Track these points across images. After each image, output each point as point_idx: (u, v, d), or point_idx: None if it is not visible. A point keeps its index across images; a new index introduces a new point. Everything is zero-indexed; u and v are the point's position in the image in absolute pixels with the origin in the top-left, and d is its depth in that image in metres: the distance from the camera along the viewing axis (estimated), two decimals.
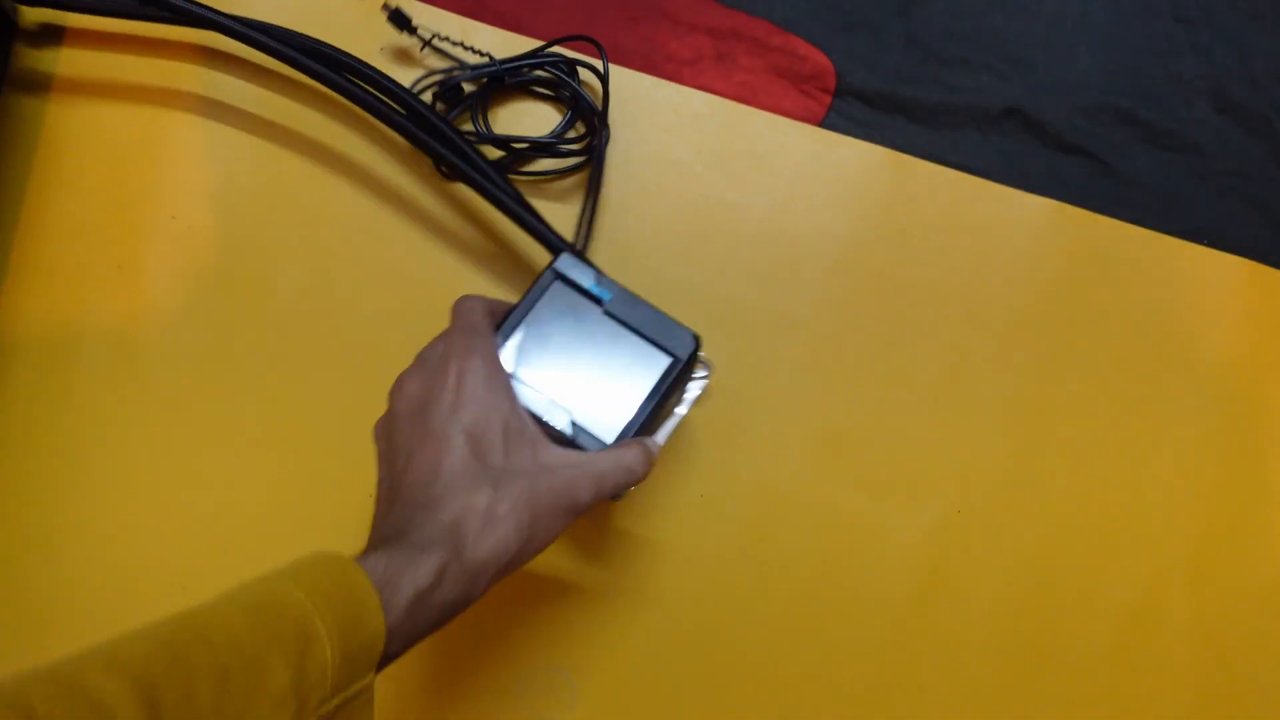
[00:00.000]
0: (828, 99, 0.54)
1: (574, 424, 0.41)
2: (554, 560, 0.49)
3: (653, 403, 0.41)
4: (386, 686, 0.48)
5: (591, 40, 0.51)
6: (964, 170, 0.53)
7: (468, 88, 0.51)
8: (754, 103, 0.53)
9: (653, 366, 0.42)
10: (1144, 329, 0.52)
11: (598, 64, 0.51)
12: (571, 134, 0.52)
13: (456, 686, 0.48)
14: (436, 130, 0.47)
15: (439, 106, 0.51)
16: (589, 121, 0.51)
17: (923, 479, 0.51)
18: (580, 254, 0.46)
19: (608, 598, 0.49)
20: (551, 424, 0.40)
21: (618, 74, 0.53)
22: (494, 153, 0.51)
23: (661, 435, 0.48)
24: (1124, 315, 0.52)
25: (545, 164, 0.51)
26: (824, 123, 0.53)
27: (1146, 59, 0.55)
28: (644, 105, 0.53)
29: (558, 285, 0.42)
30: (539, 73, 0.51)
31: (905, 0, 0.54)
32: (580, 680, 0.49)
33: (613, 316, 0.42)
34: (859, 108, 0.54)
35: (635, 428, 0.41)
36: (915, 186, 0.53)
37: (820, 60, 0.54)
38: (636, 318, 0.42)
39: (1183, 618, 0.51)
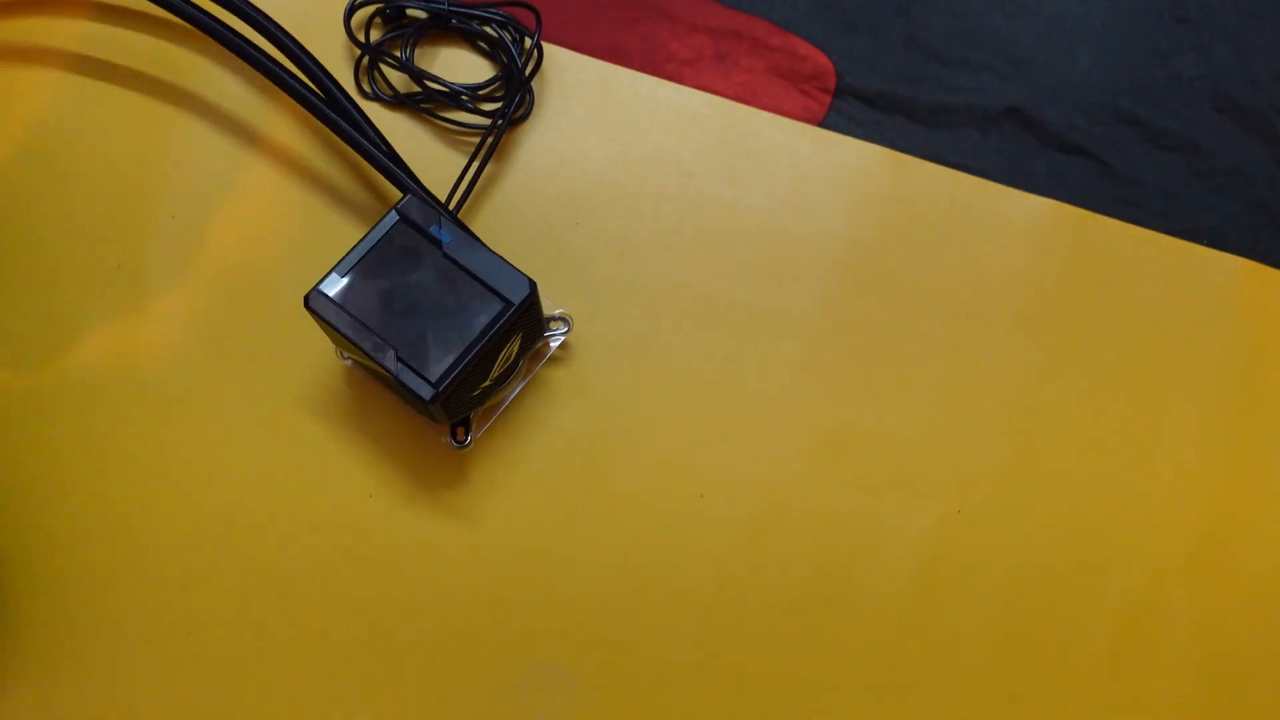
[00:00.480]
0: (828, 99, 0.54)
1: (399, 360, 0.41)
2: (553, 559, 0.49)
3: (480, 346, 0.42)
4: (385, 684, 0.48)
5: (530, 7, 0.51)
6: (964, 170, 0.53)
7: (412, 14, 0.51)
8: (754, 103, 0.53)
9: (485, 311, 0.42)
10: (1144, 329, 0.52)
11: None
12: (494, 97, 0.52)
13: (456, 686, 0.48)
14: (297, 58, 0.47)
15: (377, 21, 0.52)
16: (512, 88, 0.51)
17: (923, 479, 0.51)
18: (440, 206, 0.46)
19: (607, 597, 0.49)
20: (377, 359, 0.41)
21: (618, 73, 0.53)
22: (411, 87, 0.52)
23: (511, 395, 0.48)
24: (1124, 315, 0.52)
25: (460, 116, 0.52)
26: (824, 123, 0.53)
27: (1146, 59, 0.55)
28: (644, 105, 0.53)
29: (400, 225, 0.43)
30: (486, 29, 0.51)
31: (905, 0, 0.55)
32: (580, 680, 0.49)
33: (451, 260, 0.42)
34: (859, 108, 0.54)
35: (459, 368, 0.42)
36: (915, 186, 0.53)
37: (820, 60, 0.54)
38: (474, 262, 0.42)
39: (1183, 618, 0.51)
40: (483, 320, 0.42)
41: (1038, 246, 0.53)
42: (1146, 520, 0.51)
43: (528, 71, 0.51)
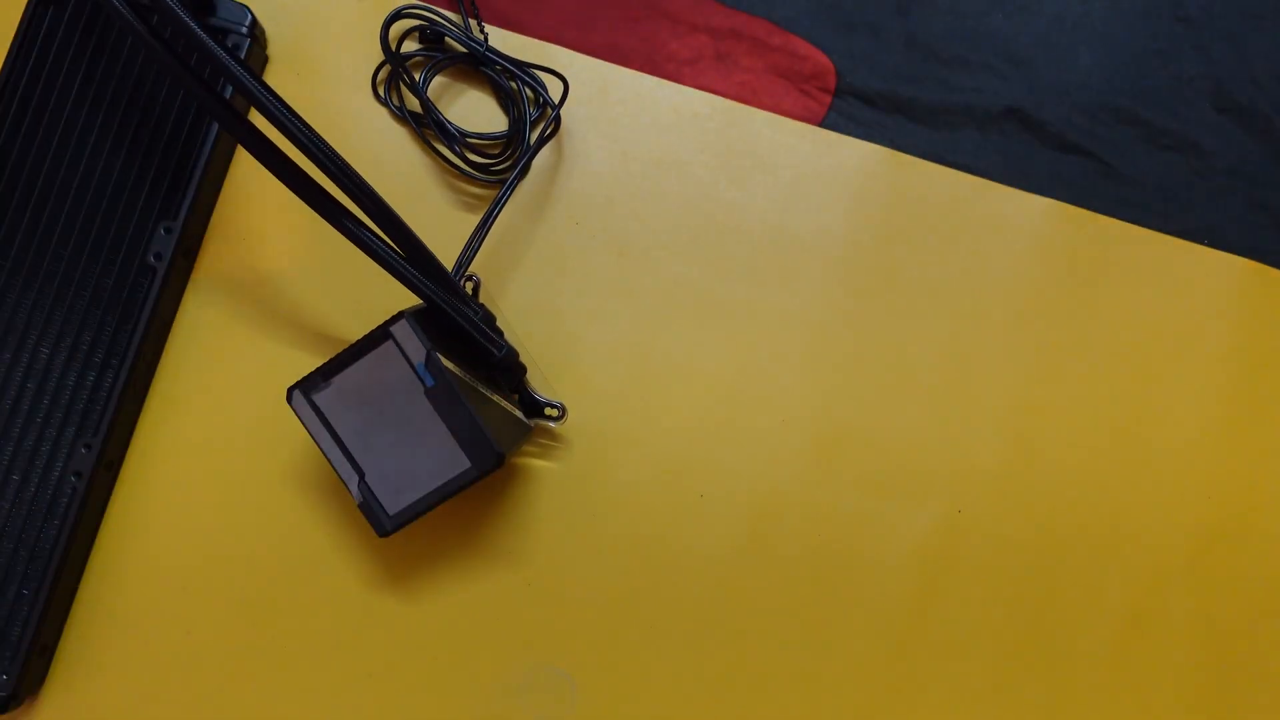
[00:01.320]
0: (828, 99, 0.54)
1: (363, 486, 0.42)
2: (552, 559, 0.49)
3: (440, 500, 0.42)
4: (385, 684, 0.48)
5: (560, 77, 0.50)
6: (964, 170, 0.53)
7: (450, 44, 0.51)
8: (754, 103, 0.53)
9: (452, 468, 0.42)
10: (1144, 329, 0.52)
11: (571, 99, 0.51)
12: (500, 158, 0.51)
13: (457, 686, 0.48)
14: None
15: (407, 42, 0.51)
16: (519, 149, 0.51)
17: (923, 479, 0.51)
18: (431, 344, 0.42)
19: (608, 597, 0.49)
20: (344, 479, 0.41)
21: (618, 73, 0.53)
22: (416, 105, 0.51)
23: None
24: (1124, 315, 0.52)
25: (452, 156, 0.51)
26: (824, 123, 0.53)
27: (1146, 59, 0.55)
28: (644, 105, 0.53)
29: (390, 345, 0.41)
30: (512, 83, 0.51)
31: (905, 0, 0.55)
32: (580, 680, 0.49)
33: (432, 402, 0.41)
34: (859, 108, 0.54)
35: (416, 516, 0.42)
36: (915, 186, 0.53)
37: (820, 60, 0.54)
38: (451, 415, 0.41)
39: (1183, 618, 0.51)
40: (448, 476, 0.41)
41: (1038, 246, 0.53)
42: (1146, 520, 0.51)
43: (535, 137, 0.50)
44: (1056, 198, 0.53)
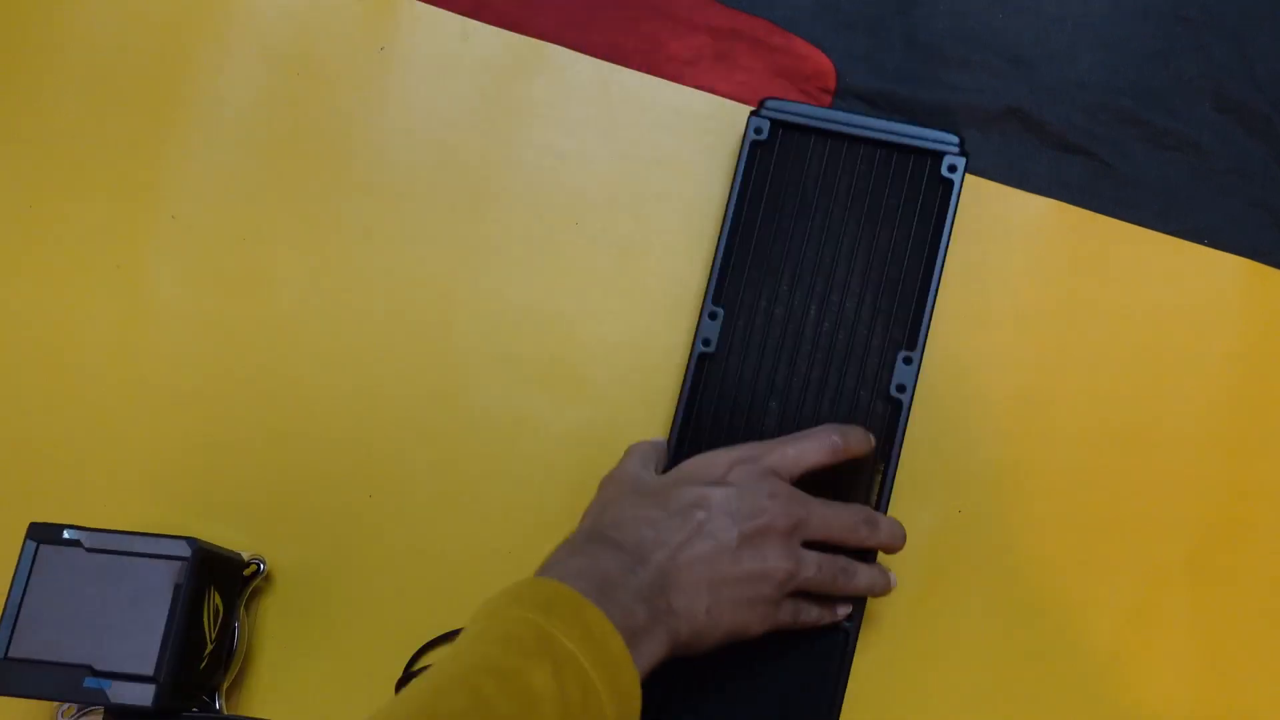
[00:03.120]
0: (828, 99, 0.54)
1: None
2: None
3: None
4: (379, 681, 0.48)
5: None
6: None
7: None
8: (754, 102, 0.53)
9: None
10: (1144, 329, 0.52)
11: None
12: None
13: None
14: None
15: None
16: None
17: (923, 479, 0.51)
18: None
19: None
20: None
21: (618, 73, 0.53)
22: None
23: None
24: (1124, 315, 0.52)
25: None
26: None
27: (1147, 59, 0.55)
28: (644, 105, 0.53)
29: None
30: None
31: (905, 0, 0.55)
32: None
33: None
34: (859, 107, 0.54)
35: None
36: None
37: (820, 60, 0.54)
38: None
39: (1183, 618, 0.51)
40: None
41: (1038, 246, 0.53)
42: (1146, 519, 0.51)
43: None
44: (1056, 198, 0.53)
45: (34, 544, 0.41)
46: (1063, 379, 0.52)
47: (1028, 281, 0.52)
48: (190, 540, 0.41)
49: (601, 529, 0.39)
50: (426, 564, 0.49)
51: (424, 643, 0.47)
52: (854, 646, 0.46)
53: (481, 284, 0.51)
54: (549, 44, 0.53)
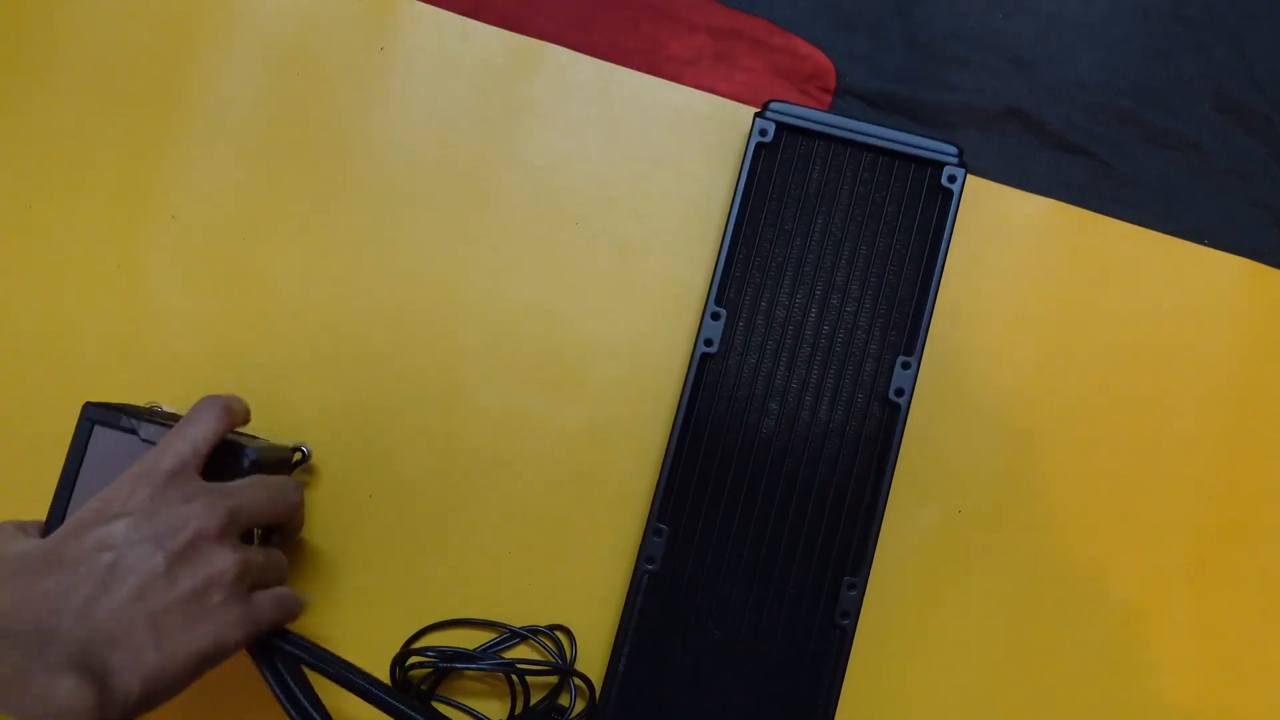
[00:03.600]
0: (828, 99, 0.54)
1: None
2: (554, 559, 0.49)
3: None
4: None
5: (578, 674, 0.48)
6: None
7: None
8: (754, 103, 0.53)
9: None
10: (1144, 329, 0.52)
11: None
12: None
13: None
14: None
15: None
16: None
17: (922, 479, 0.51)
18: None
19: (608, 598, 0.49)
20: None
21: (618, 73, 0.53)
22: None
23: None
24: (1124, 315, 0.52)
25: None
26: None
27: (1147, 59, 0.55)
28: (644, 105, 0.53)
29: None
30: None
31: (905, 0, 0.55)
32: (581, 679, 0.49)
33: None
34: (859, 108, 0.54)
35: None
36: None
37: (820, 60, 0.54)
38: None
39: (1183, 618, 0.51)
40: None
41: (1038, 247, 0.53)
42: (1146, 519, 0.51)
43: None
44: (1056, 198, 0.53)
45: (89, 423, 0.41)
46: (1063, 379, 0.52)
47: (1027, 281, 0.52)
48: (253, 447, 0.42)
49: None
50: (426, 564, 0.49)
51: (423, 626, 0.48)
52: (850, 644, 0.46)
53: (481, 284, 0.51)
54: (549, 44, 0.53)
